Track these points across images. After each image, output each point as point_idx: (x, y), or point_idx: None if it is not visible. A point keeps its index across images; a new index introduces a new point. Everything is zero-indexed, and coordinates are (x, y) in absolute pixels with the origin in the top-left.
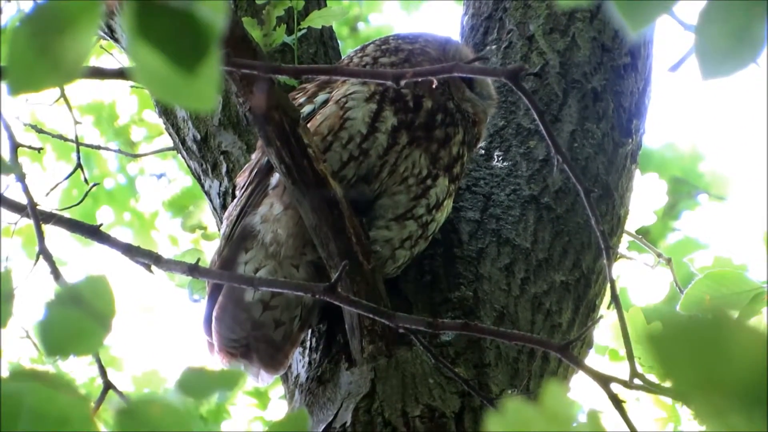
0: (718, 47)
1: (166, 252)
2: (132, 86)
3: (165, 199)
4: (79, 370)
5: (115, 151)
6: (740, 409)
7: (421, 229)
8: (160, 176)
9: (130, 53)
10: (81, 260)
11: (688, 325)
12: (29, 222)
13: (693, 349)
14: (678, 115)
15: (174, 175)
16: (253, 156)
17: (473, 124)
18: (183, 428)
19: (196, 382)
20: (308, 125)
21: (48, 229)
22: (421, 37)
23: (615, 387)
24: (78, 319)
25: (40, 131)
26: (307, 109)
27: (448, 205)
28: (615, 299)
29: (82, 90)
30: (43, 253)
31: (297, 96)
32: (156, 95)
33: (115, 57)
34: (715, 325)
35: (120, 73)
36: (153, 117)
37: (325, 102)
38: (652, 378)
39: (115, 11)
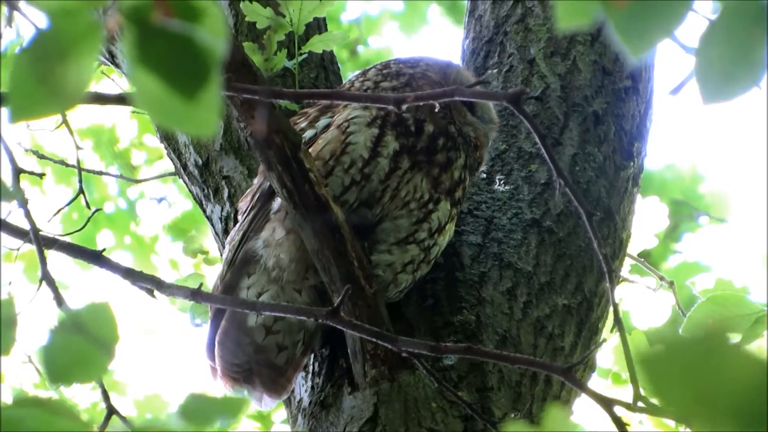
0: (718, 71)
1: (167, 276)
2: (132, 111)
3: (165, 222)
4: (81, 394)
5: (116, 176)
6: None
7: (423, 253)
8: (160, 200)
9: (131, 79)
10: (82, 284)
11: (678, 346)
12: (31, 247)
13: (683, 370)
14: (678, 137)
15: (174, 198)
16: (255, 180)
17: (475, 148)
18: None
19: (198, 408)
20: (310, 150)
21: (49, 252)
22: (423, 61)
23: (618, 410)
24: (81, 345)
25: (41, 157)
26: (308, 134)
27: (450, 228)
28: (618, 322)
29: (81, 114)
30: (46, 278)
31: (298, 120)
32: (156, 121)
33: (116, 81)
34: (706, 346)
35: (121, 99)
36: (153, 141)
37: (327, 126)
38: (655, 401)
39: (115, 37)
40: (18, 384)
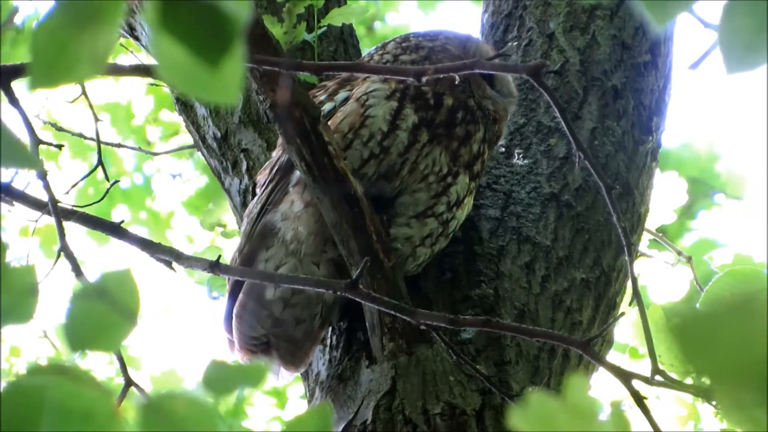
0: (742, 41)
1: (182, 250)
2: (150, 84)
3: (183, 199)
4: (97, 369)
5: (135, 149)
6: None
7: (441, 227)
8: (176, 176)
9: (153, 47)
10: (97, 260)
11: (711, 312)
12: (46, 222)
13: (715, 336)
14: (694, 115)
15: (190, 175)
16: (274, 153)
17: (494, 122)
18: (208, 423)
19: (220, 377)
20: (329, 123)
21: (66, 226)
22: (442, 35)
23: (636, 384)
24: (103, 312)
25: (59, 129)
26: (327, 107)
27: (469, 202)
28: (637, 296)
29: (98, 90)
30: (65, 250)
31: (318, 93)
32: (179, 89)
33: (135, 55)
34: (739, 313)
35: (141, 70)
36: (169, 116)
37: (346, 99)
38: (674, 375)
39: (135, 9)
40: (34, 358)
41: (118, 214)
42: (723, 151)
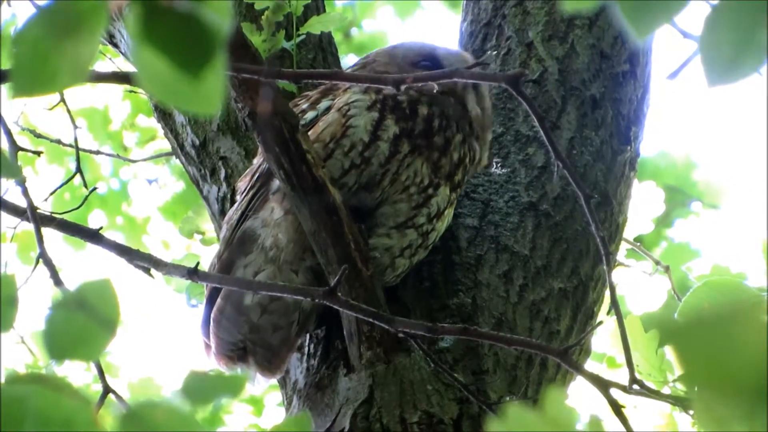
0: (723, 54)
1: (160, 257)
2: (129, 90)
3: (159, 204)
4: (74, 376)
5: (113, 156)
6: (742, 413)
7: (421, 238)
8: (152, 181)
9: (134, 57)
10: (73, 265)
11: (692, 322)
12: (24, 229)
13: (697, 345)
14: (671, 124)
15: (166, 180)
16: (255, 161)
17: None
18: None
19: (199, 387)
20: (310, 132)
21: (44, 232)
22: (374, 52)
23: (614, 393)
24: (82, 322)
25: (38, 136)
26: (309, 116)
27: (449, 214)
28: (614, 305)
29: (75, 95)
30: (43, 257)
31: (300, 102)
32: (160, 99)
33: (113, 61)
34: (720, 324)
35: (122, 77)
36: (146, 122)
37: (328, 109)
38: (651, 385)
39: (114, 17)
40: (11, 365)
41: (95, 219)
42: (700, 159)
